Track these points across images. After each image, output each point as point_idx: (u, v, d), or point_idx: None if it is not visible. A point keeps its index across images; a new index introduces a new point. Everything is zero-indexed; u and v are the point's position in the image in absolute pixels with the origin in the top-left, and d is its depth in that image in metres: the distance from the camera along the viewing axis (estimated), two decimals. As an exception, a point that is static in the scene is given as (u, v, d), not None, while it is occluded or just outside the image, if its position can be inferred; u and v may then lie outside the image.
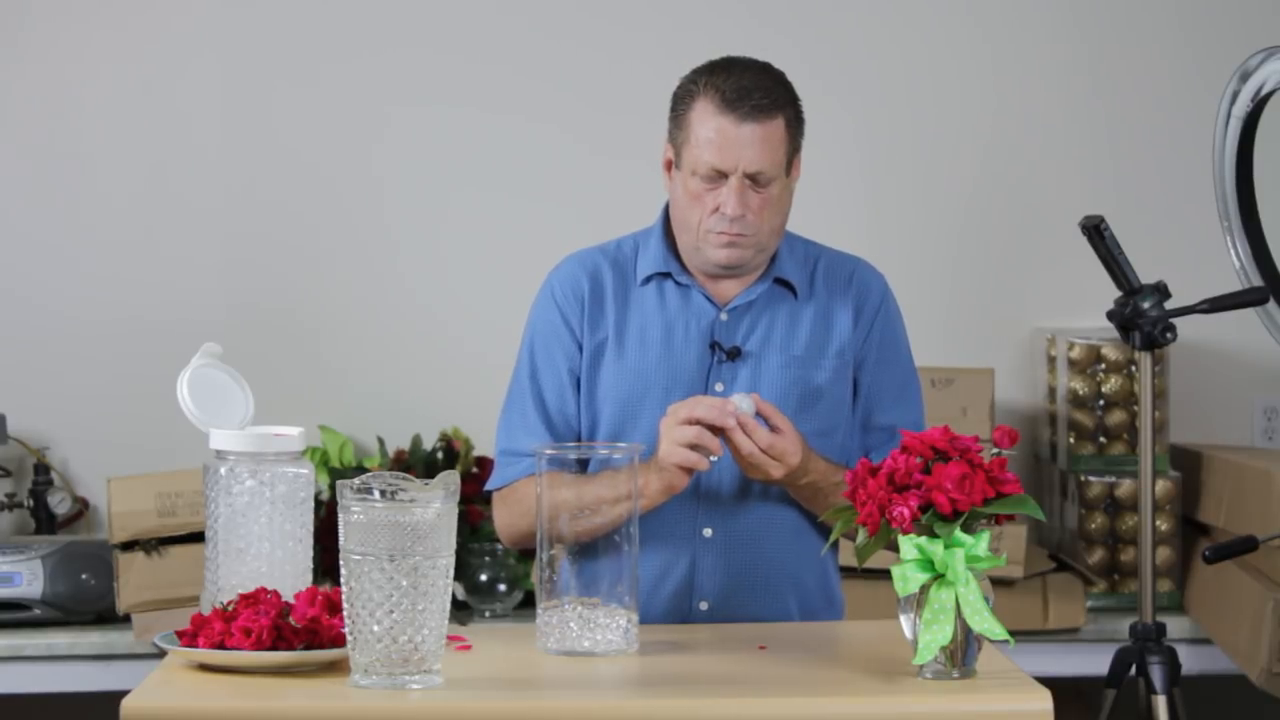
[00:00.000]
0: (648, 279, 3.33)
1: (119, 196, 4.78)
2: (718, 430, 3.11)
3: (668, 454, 3.11)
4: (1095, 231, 3.49)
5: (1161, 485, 4.49)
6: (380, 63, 4.80)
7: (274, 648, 2.76)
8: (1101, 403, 4.61)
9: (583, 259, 3.37)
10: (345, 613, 2.67)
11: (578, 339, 3.32)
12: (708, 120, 3.21)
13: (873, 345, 3.33)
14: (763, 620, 3.26)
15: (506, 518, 3.32)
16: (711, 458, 3.12)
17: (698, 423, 3.10)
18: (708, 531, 3.27)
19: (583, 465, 3.20)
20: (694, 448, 3.11)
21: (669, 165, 3.29)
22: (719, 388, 3.27)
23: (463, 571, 4.51)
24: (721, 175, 3.21)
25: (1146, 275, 3.54)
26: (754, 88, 3.20)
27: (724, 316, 3.30)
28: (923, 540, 2.69)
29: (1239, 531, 4.19)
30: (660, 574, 3.27)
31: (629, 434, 3.26)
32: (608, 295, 3.33)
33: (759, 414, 3.13)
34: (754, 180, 3.21)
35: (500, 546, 4.51)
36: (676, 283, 3.32)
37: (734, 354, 3.28)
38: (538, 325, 3.36)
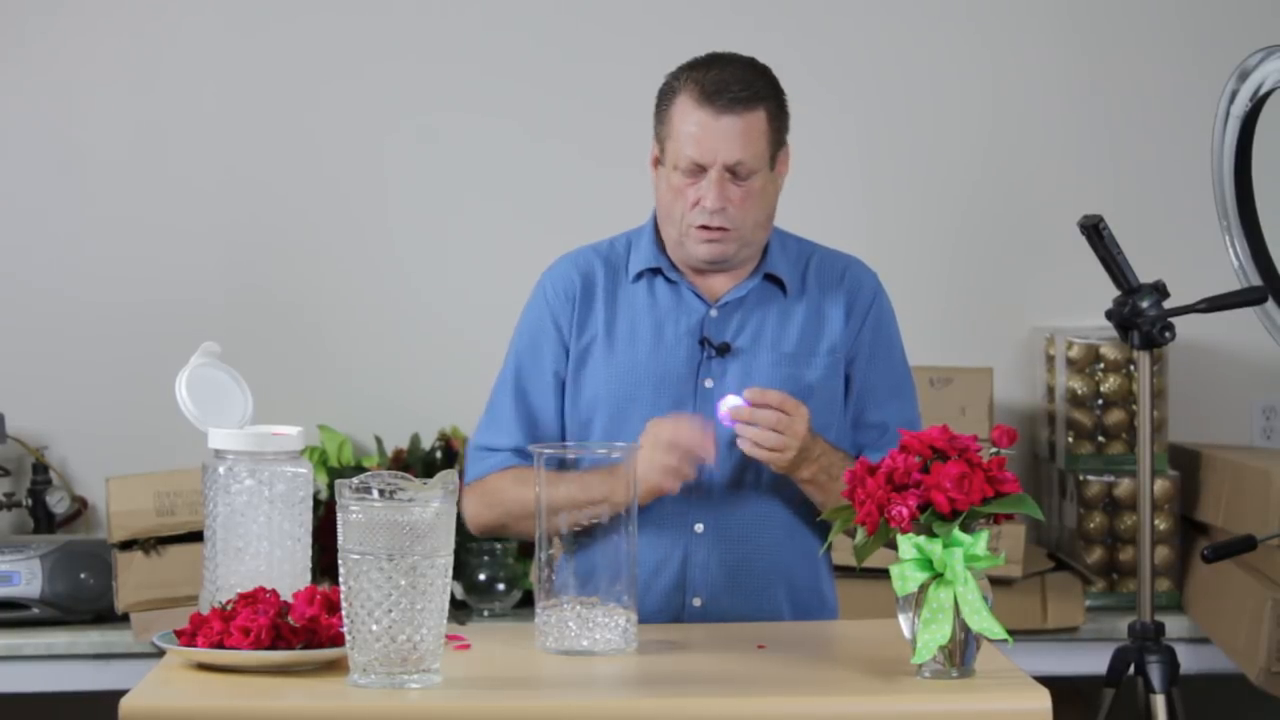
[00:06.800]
0: (639, 276, 3.34)
1: (118, 195, 4.78)
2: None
3: (647, 474, 3.12)
4: (1094, 231, 3.48)
5: (1160, 485, 4.49)
6: (384, 68, 4.80)
7: (273, 647, 2.76)
8: (1100, 402, 4.61)
9: (576, 258, 3.39)
10: (344, 612, 2.67)
11: (565, 341, 3.34)
12: (687, 114, 3.23)
13: (864, 342, 3.34)
14: (755, 617, 3.26)
15: (474, 508, 3.35)
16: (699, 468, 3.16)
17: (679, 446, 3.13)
18: (699, 527, 3.28)
19: (564, 464, 3.20)
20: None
21: (655, 162, 3.31)
22: (708, 384, 3.27)
23: (461, 571, 4.51)
24: (701, 168, 3.23)
25: (1145, 274, 3.54)
26: (732, 80, 3.23)
27: (714, 313, 3.31)
28: (921, 539, 2.69)
29: (1237, 531, 4.19)
30: (653, 570, 3.27)
31: (621, 430, 3.27)
32: (599, 293, 3.34)
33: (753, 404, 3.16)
34: (734, 173, 3.23)
35: (499, 545, 4.51)
36: (667, 279, 3.33)
37: (723, 350, 3.28)
38: (527, 326, 3.38)
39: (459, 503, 2.74)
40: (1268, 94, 3.70)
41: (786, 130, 3.31)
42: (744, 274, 3.33)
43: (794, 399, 3.17)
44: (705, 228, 3.24)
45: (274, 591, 2.84)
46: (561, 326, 3.34)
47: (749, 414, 3.14)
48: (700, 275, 3.33)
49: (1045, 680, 2.73)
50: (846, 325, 3.33)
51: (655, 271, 3.34)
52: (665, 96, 3.28)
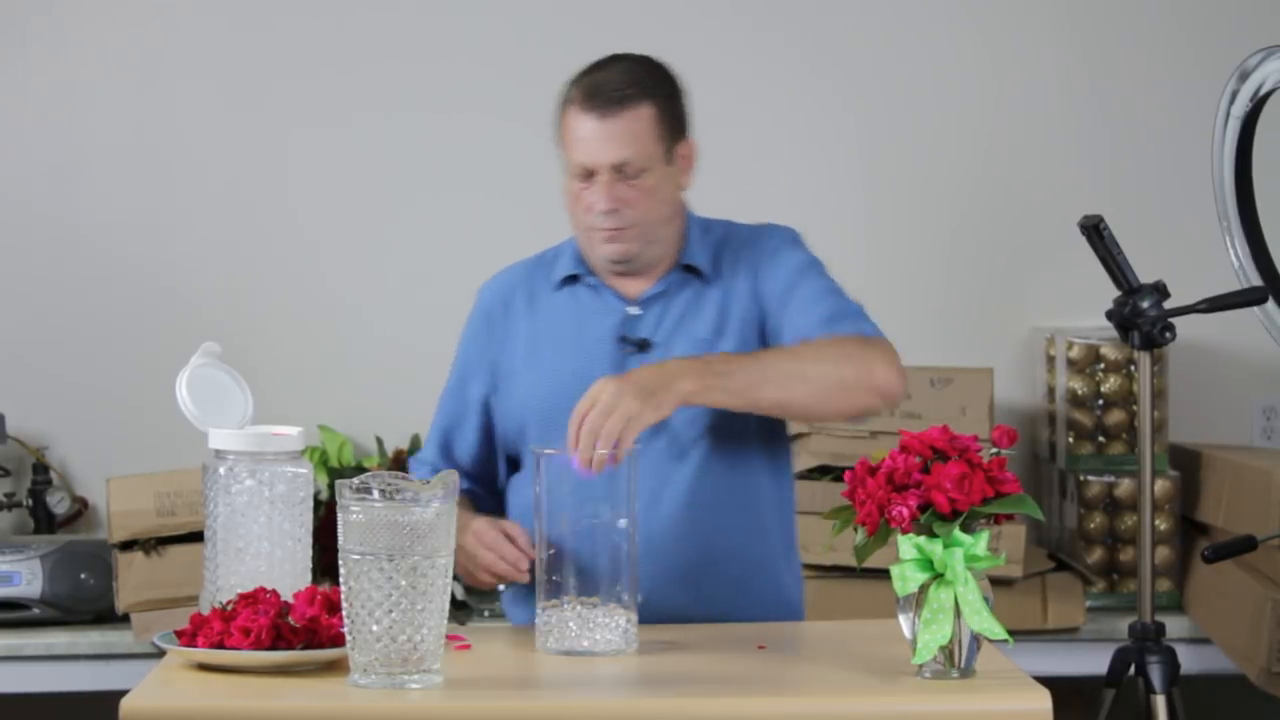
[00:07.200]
0: (561, 284, 3.36)
1: (117, 195, 4.78)
2: None
3: (466, 563, 3.14)
4: (1094, 231, 3.49)
5: (1160, 485, 4.49)
6: (387, 68, 4.80)
7: (273, 647, 2.76)
8: (1100, 402, 4.61)
9: (499, 277, 3.43)
10: (344, 612, 2.67)
11: (491, 359, 3.37)
12: (573, 120, 3.26)
13: (770, 284, 3.28)
14: (705, 608, 3.22)
15: None
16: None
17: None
18: (622, 523, 3.25)
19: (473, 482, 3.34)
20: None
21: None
22: None
23: (462, 571, 4.51)
24: (590, 172, 3.24)
25: (1145, 275, 3.54)
26: (613, 80, 3.24)
27: (634, 310, 3.31)
28: (922, 540, 2.69)
29: (1238, 531, 4.19)
30: None
31: (552, 436, 3.23)
32: (519, 307, 3.36)
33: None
34: (622, 172, 3.23)
35: (499, 546, 4.51)
36: (588, 285, 3.33)
37: (644, 346, 3.27)
38: (460, 350, 3.43)
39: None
40: (1268, 94, 3.70)
41: (685, 123, 3.30)
42: (662, 270, 3.33)
43: (581, 399, 3.06)
44: (602, 229, 3.26)
45: (274, 592, 2.84)
46: (483, 346, 3.38)
47: (578, 441, 3.01)
48: (619, 277, 3.33)
49: (1045, 680, 2.73)
50: (754, 286, 3.30)
51: (576, 278, 3.35)
52: (559, 105, 3.30)
